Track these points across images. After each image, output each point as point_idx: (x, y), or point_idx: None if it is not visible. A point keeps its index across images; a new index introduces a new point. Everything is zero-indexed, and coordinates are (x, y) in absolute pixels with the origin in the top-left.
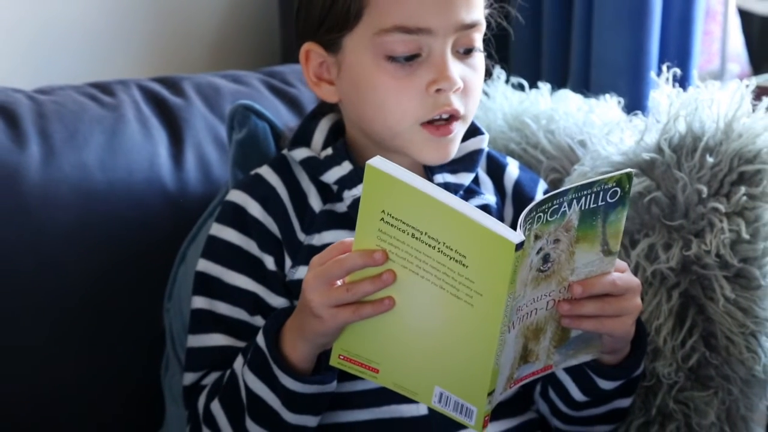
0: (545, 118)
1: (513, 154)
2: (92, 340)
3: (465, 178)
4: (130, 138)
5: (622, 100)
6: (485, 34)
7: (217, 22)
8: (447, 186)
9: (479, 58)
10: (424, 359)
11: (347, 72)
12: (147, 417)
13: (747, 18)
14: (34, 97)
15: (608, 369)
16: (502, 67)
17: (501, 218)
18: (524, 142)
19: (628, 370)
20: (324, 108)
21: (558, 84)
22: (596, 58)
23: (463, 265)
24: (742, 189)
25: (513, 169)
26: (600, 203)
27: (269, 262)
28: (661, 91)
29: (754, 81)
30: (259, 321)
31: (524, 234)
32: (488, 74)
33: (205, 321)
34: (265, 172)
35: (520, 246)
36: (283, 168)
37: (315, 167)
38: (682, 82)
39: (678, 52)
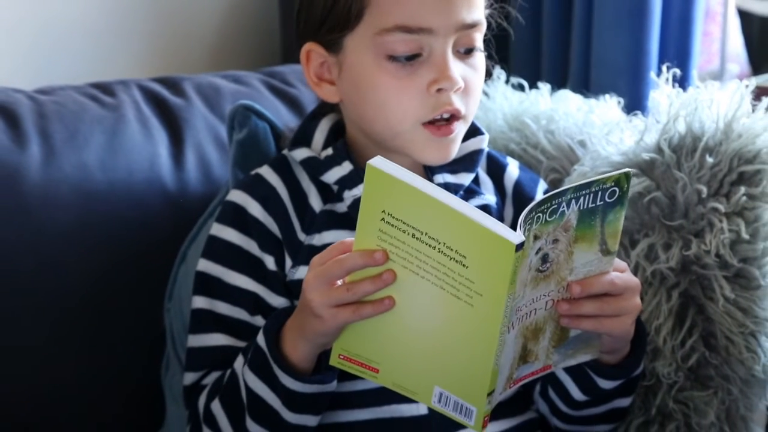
0: (545, 119)
1: (513, 155)
2: (92, 340)
3: (465, 178)
4: (131, 138)
5: (621, 100)
6: (485, 35)
7: (217, 23)
8: (447, 186)
9: (480, 58)
10: (424, 359)
11: (348, 72)
12: (147, 417)
13: (746, 18)
14: (35, 97)
15: (608, 368)
16: (502, 68)
17: (501, 218)
18: (524, 142)
19: (628, 369)
20: (324, 108)
21: (558, 84)
22: (596, 58)
23: (464, 265)
24: (742, 189)
25: (513, 169)
26: (598, 203)
27: (269, 262)
28: (661, 91)
29: (754, 81)
30: (259, 321)
31: (524, 234)
32: (488, 75)
33: (205, 321)
34: (266, 172)
35: (520, 247)
36: (283, 168)
37: (315, 167)
38: (682, 82)
39: (678, 52)
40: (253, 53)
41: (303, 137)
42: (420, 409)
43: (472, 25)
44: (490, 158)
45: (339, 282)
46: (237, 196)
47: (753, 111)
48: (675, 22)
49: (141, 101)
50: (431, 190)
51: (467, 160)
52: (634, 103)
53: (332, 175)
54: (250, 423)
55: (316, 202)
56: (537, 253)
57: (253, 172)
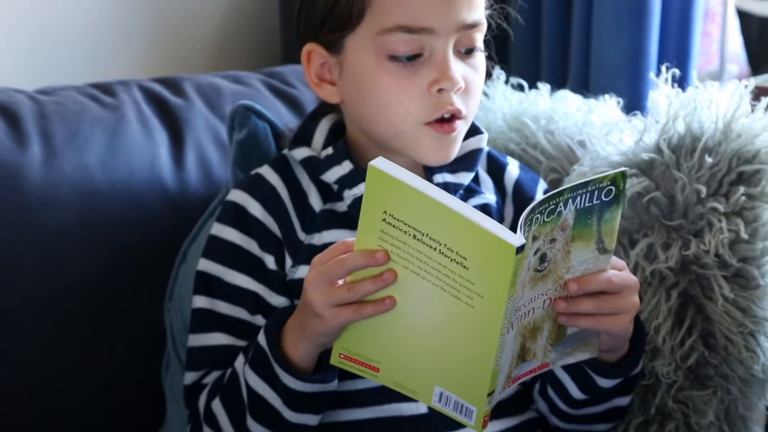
0: (545, 119)
1: (513, 155)
2: (93, 339)
3: (464, 178)
4: (131, 138)
5: (621, 100)
6: (485, 35)
7: (217, 23)
8: (446, 185)
9: (480, 58)
10: (425, 359)
11: (349, 72)
12: (148, 416)
13: (746, 19)
14: (36, 97)
15: (607, 367)
16: (502, 68)
17: (501, 218)
18: (524, 142)
19: (627, 368)
20: (324, 108)
21: (557, 84)
22: (595, 58)
23: (464, 266)
24: (741, 189)
25: (513, 169)
26: (595, 202)
27: (270, 261)
28: (660, 91)
29: (753, 81)
30: (259, 320)
31: (524, 236)
32: (488, 75)
33: (205, 320)
34: (266, 171)
35: (520, 249)
36: (283, 168)
37: (315, 167)
38: (681, 82)
39: (677, 52)
40: (253, 53)
41: (303, 137)
42: (420, 409)
43: (473, 25)
44: (491, 158)
45: (340, 282)
46: (237, 196)
47: (752, 111)
48: (674, 23)
49: (141, 101)
50: (433, 191)
51: (467, 159)
52: (634, 104)
53: (332, 175)
54: (250, 422)
55: (316, 202)
56: (535, 253)
57: (253, 172)
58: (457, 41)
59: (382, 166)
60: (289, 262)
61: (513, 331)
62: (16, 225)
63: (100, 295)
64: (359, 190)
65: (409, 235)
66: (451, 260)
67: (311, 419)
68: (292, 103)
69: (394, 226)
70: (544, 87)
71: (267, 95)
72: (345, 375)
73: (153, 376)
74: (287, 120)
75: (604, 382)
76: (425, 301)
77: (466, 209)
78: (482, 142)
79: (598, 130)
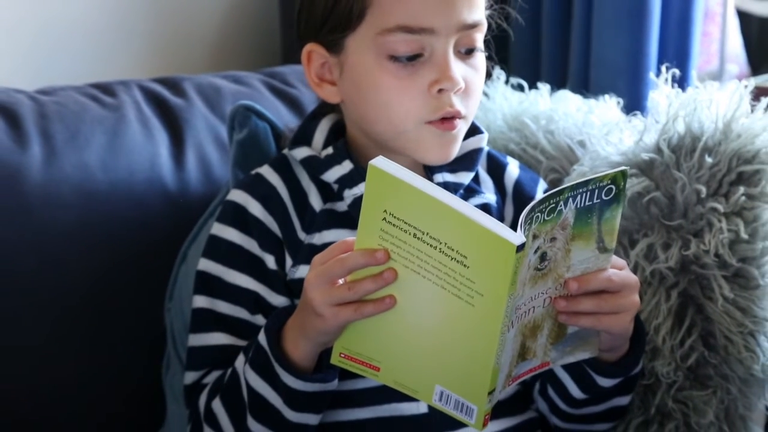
0: (545, 119)
1: (513, 155)
2: (93, 339)
3: (464, 177)
4: (131, 138)
5: (621, 100)
6: (485, 35)
7: (217, 23)
8: (446, 185)
9: (480, 59)
10: (425, 358)
11: (349, 72)
12: (148, 416)
13: (746, 19)
14: (36, 97)
15: (607, 366)
16: (502, 68)
17: (501, 217)
18: (524, 142)
19: (627, 367)
20: (324, 108)
21: (557, 85)
22: (595, 58)
23: (464, 265)
24: (741, 189)
25: (513, 169)
26: (595, 201)
27: (270, 261)
28: (660, 91)
29: (753, 81)
30: (259, 320)
31: (524, 235)
32: (488, 75)
33: (206, 320)
34: (266, 171)
35: (521, 248)
36: (283, 167)
37: (315, 166)
38: (681, 82)
39: (677, 52)
40: (253, 53)
41: (303, 137)
42: (421, 408)
43: (473, 26)
44: (491, 157)
45: (340, 281)
46: (237, 196)
47: (752, 111)
48: (674, 23)
49: (141, 101)
50: (433, 190)
51: (467, 159)
52: (634, 104)
53: (332, 174)
54: (251, 422)
55: (316, 201)
56: (536, 252)
57: (253, 172)
58: (457, 41)
59: (383, 165)
60: (289, 261)
61: (513, 330)
62: (16, 225)
63: (100, 295)
64: (359, 189)
65: (410, 234)
66: (452, 259)
67: (312, 419)
68: (292, 103)
69: (394, 225)
70: (544, 87)
71: (267, 95)
72: (345, 374)
73: (153, 376)
74: (287, 120)
75: (605, 382)
76: (425, 300)
77: (467, 208)
78: (482, 141)
79: (598, 130)
